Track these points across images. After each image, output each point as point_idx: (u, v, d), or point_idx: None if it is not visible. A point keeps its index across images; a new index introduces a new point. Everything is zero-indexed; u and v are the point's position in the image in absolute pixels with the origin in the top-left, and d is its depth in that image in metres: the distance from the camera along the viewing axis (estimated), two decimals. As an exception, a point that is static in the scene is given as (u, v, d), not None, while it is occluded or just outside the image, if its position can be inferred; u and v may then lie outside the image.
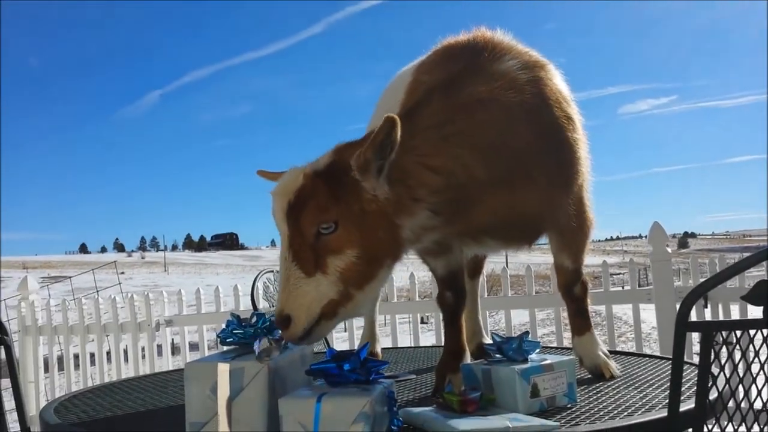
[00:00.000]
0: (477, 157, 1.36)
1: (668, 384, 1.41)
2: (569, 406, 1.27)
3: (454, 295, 1.63)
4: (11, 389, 1.63)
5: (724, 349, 1.14)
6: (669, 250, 3.92)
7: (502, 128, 1.41)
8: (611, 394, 1.38)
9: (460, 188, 1.34)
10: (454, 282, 1.63)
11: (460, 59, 1.51)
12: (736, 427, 1.16)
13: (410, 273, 4.41)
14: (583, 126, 1.58)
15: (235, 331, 1.19)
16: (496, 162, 1.38)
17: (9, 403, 1.59)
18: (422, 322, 4.79)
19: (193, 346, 5.13)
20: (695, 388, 1.15)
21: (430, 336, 4.89)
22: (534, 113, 1.45)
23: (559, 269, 1.69)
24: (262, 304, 2.77)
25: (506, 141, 1.41)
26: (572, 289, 1.68)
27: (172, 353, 5.25)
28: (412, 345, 3.85)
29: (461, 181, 1.34)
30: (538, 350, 1.34)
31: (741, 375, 1.16)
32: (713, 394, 1.14)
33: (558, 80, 1.54)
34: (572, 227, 1.62)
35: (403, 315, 4.59)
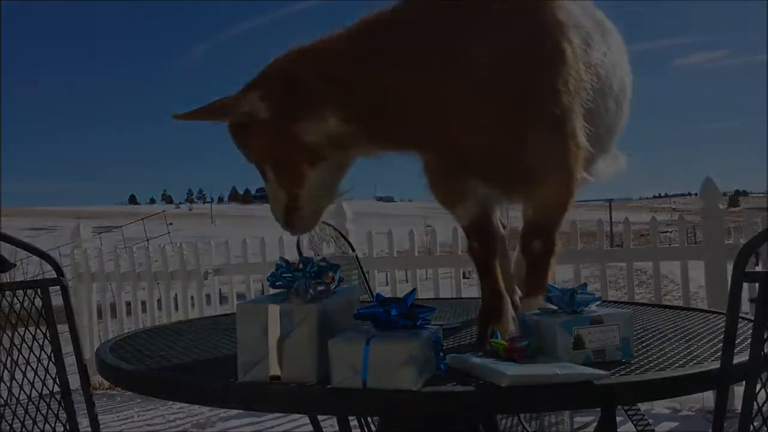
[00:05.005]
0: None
1: (717, 338, 1.39)
2: (622, 360, 1.23)
3: (481, 245, 1.58)
4: (68, 332, 1.70)
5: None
6: (721, 206, 3.82)
7: (416, 35, 1.40)
8: (660, 346, 1.36)
9: (354, 84, 1.40)
10: (479, 231, 1.58)
11: None
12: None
13: (453, 227, 4.39)
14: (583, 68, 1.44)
15: (284, 275, 1.20)
16: (408, 70, 1.38)
17: (65, 347, 1.65)
18: (464, 277, 4.79)
19: (240, 296, 5.24)
20: (748, 341, 1.13)
21: (473, 290, 4.89)
22: (499, 34, 1.39)
23: (523, 216, 1.56)
24: (307, 255, 2.79)
25: (429, 53, 1.38)
26: (530, 244, 1.51)
27: (221, 303, 5.38)
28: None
29: (352, 82, 1.40)
30: (598, 303, 1.29)
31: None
32: (768, 348, 1.11)
33: (557, 10, 1.42)
34: (544, 170, 1.45)
35: (446, 269, 4.59)
